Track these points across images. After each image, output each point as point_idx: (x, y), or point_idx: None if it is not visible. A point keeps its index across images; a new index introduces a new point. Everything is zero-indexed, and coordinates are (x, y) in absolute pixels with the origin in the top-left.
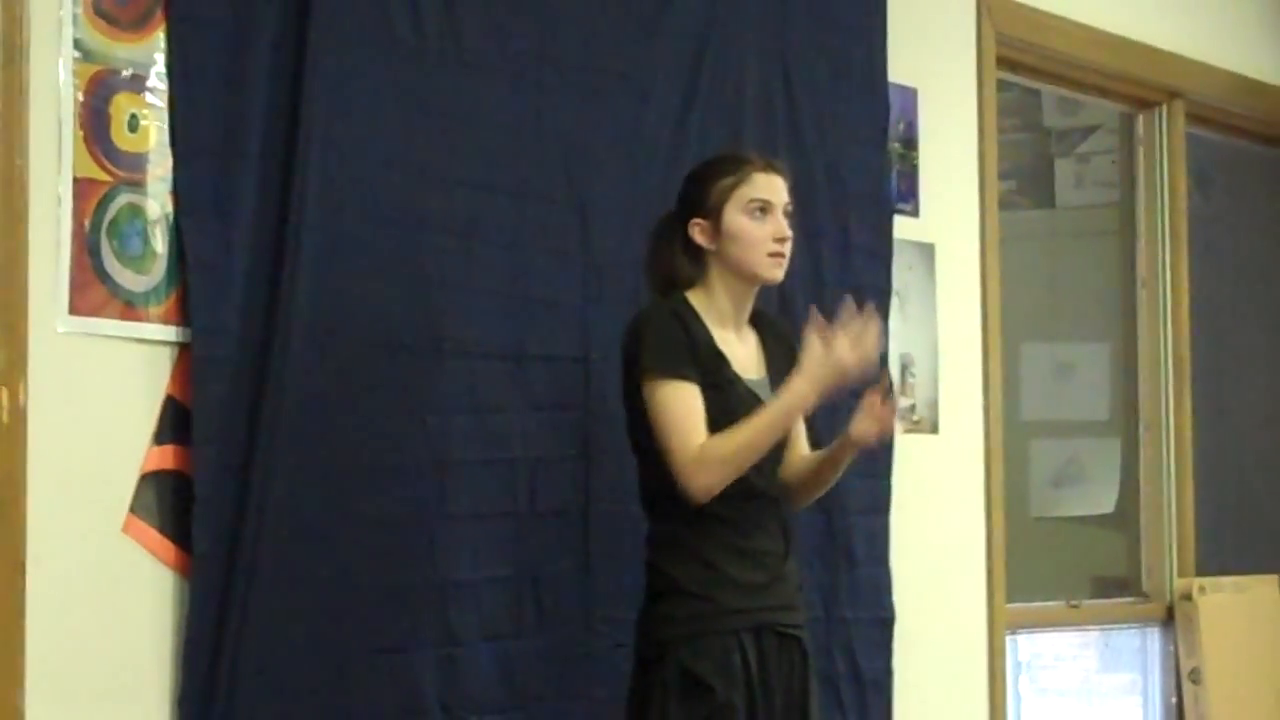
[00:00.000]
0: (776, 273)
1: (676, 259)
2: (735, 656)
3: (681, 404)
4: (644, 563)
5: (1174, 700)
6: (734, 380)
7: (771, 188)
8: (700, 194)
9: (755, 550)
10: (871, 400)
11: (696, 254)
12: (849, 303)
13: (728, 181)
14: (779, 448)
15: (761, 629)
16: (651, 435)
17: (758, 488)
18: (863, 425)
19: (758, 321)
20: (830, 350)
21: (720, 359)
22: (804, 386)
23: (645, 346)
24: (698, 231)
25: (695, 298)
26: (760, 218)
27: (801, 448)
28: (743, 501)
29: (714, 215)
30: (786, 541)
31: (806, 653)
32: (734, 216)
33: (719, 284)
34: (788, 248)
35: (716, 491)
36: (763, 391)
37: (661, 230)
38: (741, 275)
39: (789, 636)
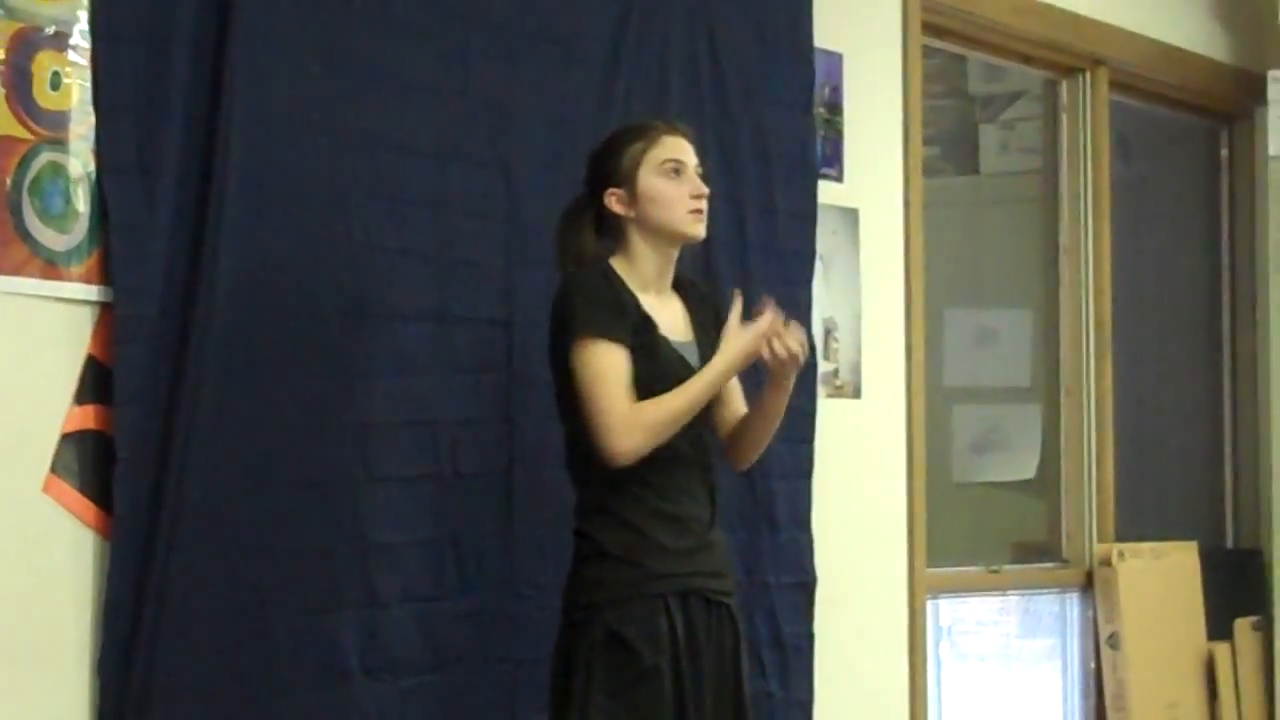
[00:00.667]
0: (698, 229)
1: (585, 238)
2: (662, 620)
3: (610, 366)
4: (571, 528)
5: (1092, 665)
6: (662, 342)
7: (680, 148)
8: (611, 164)
9: (681, 515)
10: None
11: (613, 226)
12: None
13: (637, 147)
14: (706, 411)
15: (689, 594)
16: (577, 398)
17: (683, 453)
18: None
19: (680, 286)
20: (750, 332)
21: (648, 322)
22: (725, 363)
23: (576, 308)
24: (614, 201)
25: (618, 264)
26: (675, 177)
27: (737, 405)
28: (669, 467)
29: (629, 182)
30: (713, 508)
31: (736, 620)
32: (649, 179)
33: (642, 249)
34: (705, 204)
35: (638, 456)
36: (690, 354)
37: (570, 212)
38: (663, 236)
39: (717, 603)
